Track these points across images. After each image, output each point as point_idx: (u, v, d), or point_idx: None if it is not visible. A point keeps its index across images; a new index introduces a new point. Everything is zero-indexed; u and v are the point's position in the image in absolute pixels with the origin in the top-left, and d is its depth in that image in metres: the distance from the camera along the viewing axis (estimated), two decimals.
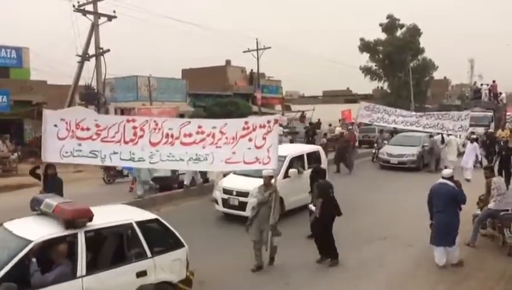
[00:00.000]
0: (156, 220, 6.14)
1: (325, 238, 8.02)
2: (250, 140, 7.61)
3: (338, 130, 21.13)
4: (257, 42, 36.34)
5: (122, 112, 26.64)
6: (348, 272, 7.77)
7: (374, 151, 22.28)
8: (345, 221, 10.44)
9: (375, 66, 53.13)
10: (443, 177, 8.16)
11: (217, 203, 11.19)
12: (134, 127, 7.80)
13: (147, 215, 6.32)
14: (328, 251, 8.07)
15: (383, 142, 21.96)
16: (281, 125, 28.10)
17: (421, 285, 7.37)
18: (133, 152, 7.76)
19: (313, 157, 12.30)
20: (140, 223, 5.80)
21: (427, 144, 19.82)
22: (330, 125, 27.50)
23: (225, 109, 30.97)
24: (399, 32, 51.49)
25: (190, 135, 7.74)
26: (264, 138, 7.55)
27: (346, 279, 7.50)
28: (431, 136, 19.85)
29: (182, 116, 27.93)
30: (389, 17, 51.25)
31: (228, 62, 42.53)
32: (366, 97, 51.08)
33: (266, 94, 41.75)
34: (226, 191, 10.95)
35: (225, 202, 10.93)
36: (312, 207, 8.56)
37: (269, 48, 36.50)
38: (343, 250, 8.32)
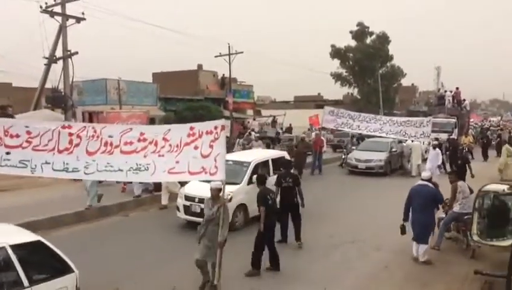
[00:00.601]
0: (38, 242, 5.41)
1: (262, 246, 7.92)
2: (195, 148, 6.98)
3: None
4: (229, 47, 36.29)
5: (91, 115, 26.03)
6: (315, 276, 7.80)
7: (342, 156, 22.44)
8: (313, 226, 10.55)
9: (346, 72, 54.14)
10: (422, 179, 8.67)
11: (179, 210, 10.96)
12: (70, 134, 7.12)
13: (27, 237, 5.51)
14: (272, 258, 8.02)
15: (351, 147, 22.26)
16: (253, 130, 28.28)
17: (388, 288, 7.48)
18: (66, 162, 7.06)
19: (279, 163, 12.01)
20: (16, 247, 5.08)
21: (395, 149, 20.25)
22: (309, 129, 27.74)
23: (196, 113, 30.72)
24: (369, 40, 52.66)
25: (131, 143, 7.11)
26: (210, 146, 6.93)
27: (313, 283, 7.54)
28: (400, 141, 20.27)
29: (152, 120, 27.61)
30: (359, 24, 52.36)
31: (200, 66, 42.32)
32: (336, 103, 51.73)
33: (238, 99, 41.73)
34: (188, 198, 10.69)
35: (187, 209, 10.66)
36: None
37: (241, 52, 36.48)
38: (310, 254, 8.33)
